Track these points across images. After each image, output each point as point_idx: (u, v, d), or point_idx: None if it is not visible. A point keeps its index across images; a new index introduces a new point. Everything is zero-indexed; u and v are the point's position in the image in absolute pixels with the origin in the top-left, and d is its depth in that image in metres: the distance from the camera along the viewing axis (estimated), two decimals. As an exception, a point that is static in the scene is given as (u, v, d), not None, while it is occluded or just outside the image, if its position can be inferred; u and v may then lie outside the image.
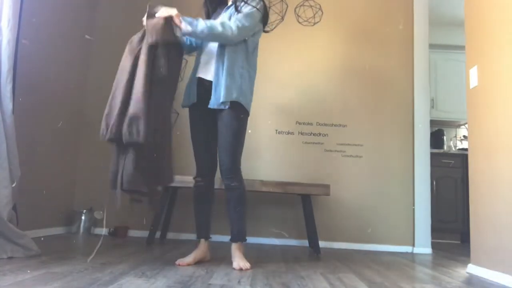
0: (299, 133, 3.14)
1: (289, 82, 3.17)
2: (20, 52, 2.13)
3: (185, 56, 2.30)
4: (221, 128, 1.96)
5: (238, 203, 1.97)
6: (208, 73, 2.00)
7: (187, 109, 2.12)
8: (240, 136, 1.99)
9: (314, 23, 3.28)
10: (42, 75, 2.56)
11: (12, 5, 1.93)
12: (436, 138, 4.38)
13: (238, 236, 1.98)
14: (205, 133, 2.04)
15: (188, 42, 2.12)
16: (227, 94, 1.91)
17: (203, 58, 2.04)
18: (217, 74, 1.95)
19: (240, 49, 1.99)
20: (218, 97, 1.92)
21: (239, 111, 1.97)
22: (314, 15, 3.28)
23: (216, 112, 1.97)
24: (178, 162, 3.04)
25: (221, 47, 1.96)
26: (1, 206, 1.80)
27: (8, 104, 1.89)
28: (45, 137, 2.62)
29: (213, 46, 2.00)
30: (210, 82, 1.97)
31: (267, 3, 2.06)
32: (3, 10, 1.91)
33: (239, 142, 1.99)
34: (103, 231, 2.93)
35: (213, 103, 1.94)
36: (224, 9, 2.09)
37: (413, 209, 3.03)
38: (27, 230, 2.26)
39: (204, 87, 2.00)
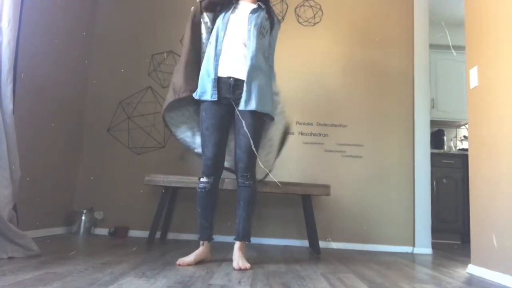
0: (299, 133, 3.14)
1: (289, 82, 3.16)
2: (21, 52, 2.13)
3: None
4: (243, 126, 1.98)
5: (249, 202, 1.99)
6: (236, 71, 2.00)
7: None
8: (261, 137, 2.07)
9: (314, 23, 3.28)
10: (42, 75, 2.56)
11: (12, 6, 1.93)
12: (436, 138, 4.38)
13: (244, 236, 1.99)
14: (219, 131, 2.02)
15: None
16: (267, 106, 2.03)
17: (226, 56, 2.02)
18: (251, 76, 1.98)
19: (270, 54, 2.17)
20: (257, 104, 1.97)
21: (263, 113, 2.05)
22: (314, 15, 3.28)
23: (237, 110, 2.00)
24: (179, 162, 3.05)
25: (254, 50, 1.99)
26: (1, 206, 1.80)
27: (8, 104, 1.89)
28: (45, 137, 2.62)
29: (239, 45, 2.02)
30: (236, 79, 1.99)
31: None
32: (4, 10, 1.91)
33: (259, 142, 2.05)
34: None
35: (251, 106, 1.97)
36: (251, 12, 2.07)
37: (413, 209, 3.03)
38: (27, 230, 2.26)
39: (225, 85, 2.00)
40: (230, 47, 2.02)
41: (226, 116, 2.04)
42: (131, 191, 3.02)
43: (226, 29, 2.04)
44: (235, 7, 2.10)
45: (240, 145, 1.99)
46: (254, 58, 1.99)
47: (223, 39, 2.03)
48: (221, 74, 2.01)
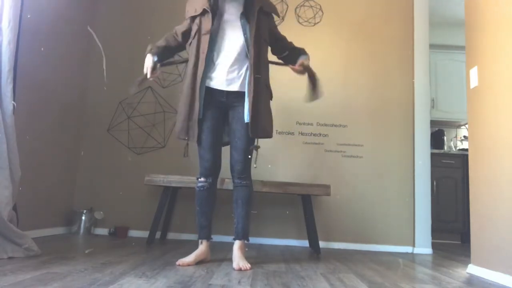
0: (299, 133, 3.14)
1: (289, 83, 3.16)
2: (21, 52, 2.13)
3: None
4: (239, 129, 1.98)
5: (246, 202, 2.00)
6: (233, 85, 1.98)
7: None
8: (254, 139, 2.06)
9: (315, 24, 3.28)
10: (43, 75, 2.56)
11: (13, 6, 1.93)
12: (437, 139, 4.38)
13: (243, 235, 1.99)
14: (215, 133, 2.02)
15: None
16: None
17: (223, 67, 1.98)
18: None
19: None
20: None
21: None
22: (315, 15, 3.28)
23: (232, 112, 2.01)
24: (179, 162, 3.05)
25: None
26: (1, 206, 1.80)
27: (8, 104, 1.89)
28: (45, 137, 2.62)
29: (235, 52, 1.98)
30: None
31: None
32: (4, 10, 1.91)
33: (253, 143, 2.04)
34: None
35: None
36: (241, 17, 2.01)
37: (413, 209, 3.03)
38: (27, 230, 2.26)
39: (216, 93, 1.99)
40: (229, 59, 1.98)
41: (220, 117, 2.03)
42: (131, 191, 3.02)
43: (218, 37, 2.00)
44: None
45: (237, 147, 1.99)
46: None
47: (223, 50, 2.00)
48: (215, 86, 1.98)
